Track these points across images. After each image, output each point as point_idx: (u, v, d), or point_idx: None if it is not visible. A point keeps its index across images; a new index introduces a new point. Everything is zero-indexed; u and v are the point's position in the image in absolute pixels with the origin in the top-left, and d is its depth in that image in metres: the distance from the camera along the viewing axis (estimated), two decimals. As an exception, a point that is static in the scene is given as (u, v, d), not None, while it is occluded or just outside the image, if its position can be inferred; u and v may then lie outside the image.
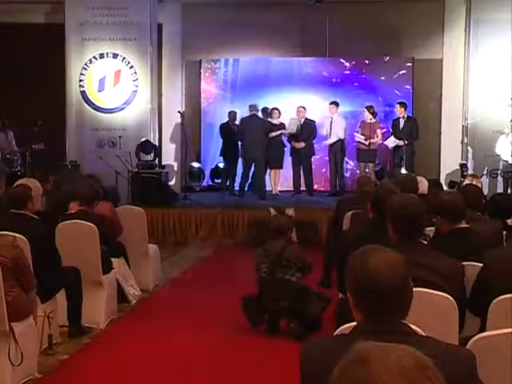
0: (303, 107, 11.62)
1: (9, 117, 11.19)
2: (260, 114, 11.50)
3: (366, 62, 12.45)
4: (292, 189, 11.75)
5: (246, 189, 11.34)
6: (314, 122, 11.68)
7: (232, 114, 11.77)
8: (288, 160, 11.73)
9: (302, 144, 11.33)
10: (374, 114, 11.42)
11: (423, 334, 2.15)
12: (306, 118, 11.51)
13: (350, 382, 1.22)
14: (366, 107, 11.55)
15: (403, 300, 2.00)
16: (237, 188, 11.44)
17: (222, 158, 12.04)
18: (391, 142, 11.27)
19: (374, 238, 4.00)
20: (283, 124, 11.55)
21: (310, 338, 2.20)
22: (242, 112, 11.87)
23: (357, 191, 6.71)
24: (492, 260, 3.40)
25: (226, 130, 11.65)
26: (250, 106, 11.41)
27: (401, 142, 11.14)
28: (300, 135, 11.35)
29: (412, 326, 2.00)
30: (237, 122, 11.72)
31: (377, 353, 1.24)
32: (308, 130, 11.41)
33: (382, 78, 12.39)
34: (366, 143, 11.20)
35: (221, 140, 11.85)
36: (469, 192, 4.99)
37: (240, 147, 11.44)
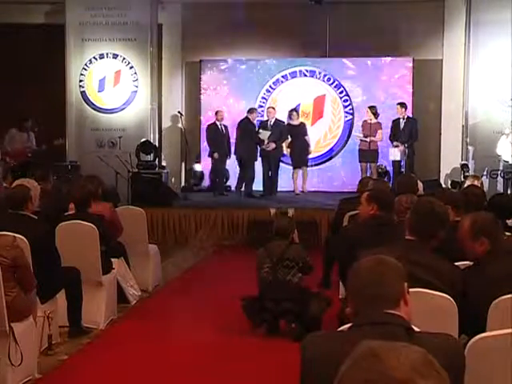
0: (273, 108, 11.73)
1: (29, 118, 11.20)
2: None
3: (366, 62, 12.46)
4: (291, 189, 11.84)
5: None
6: (283, 122, 11.72)
7: (219, 113, 11.78)
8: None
9: (273, 145, 11.33)
10: (375, 115, 11.41)
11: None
12: (276, 119, 11.54)
13: (362, 373, 1.25)
14: (369, 107, 11.56)
15: (387, 292, 2.04)
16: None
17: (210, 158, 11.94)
18: (392, 155, 11.24)
19: (377, 236, 4.01)
20: (261, 121, 11.66)
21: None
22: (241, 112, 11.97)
23: (359, 192, 6.70)
24: (471, 283, 3.31)
25: (214, 130, 11.68)
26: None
27: (401, 146, 11.10)
28: (271, 136, 11.36)
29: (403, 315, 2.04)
30: (224, 122, 11.81)
31: (387, 349, 1.29)
32: (278, 130, 11.43)
33: (382, 78, 12.40)
34: (367, 140, 11.19)
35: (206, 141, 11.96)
36: (472, 194, 4.98)
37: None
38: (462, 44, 11.75)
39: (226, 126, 11.81)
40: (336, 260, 5.81)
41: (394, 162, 11.32)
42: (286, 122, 11.73)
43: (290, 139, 11.59)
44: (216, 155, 11.57)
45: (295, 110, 11.77)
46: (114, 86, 12.01)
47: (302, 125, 11.67)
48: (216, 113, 11.87)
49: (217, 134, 11.66)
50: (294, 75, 12.60)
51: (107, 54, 11.96)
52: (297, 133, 11.54)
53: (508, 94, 11.12)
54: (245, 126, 11.51)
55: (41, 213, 5.62)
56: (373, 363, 1.25)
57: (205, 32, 12.44)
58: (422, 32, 12.16)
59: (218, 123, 11.73)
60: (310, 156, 11.90)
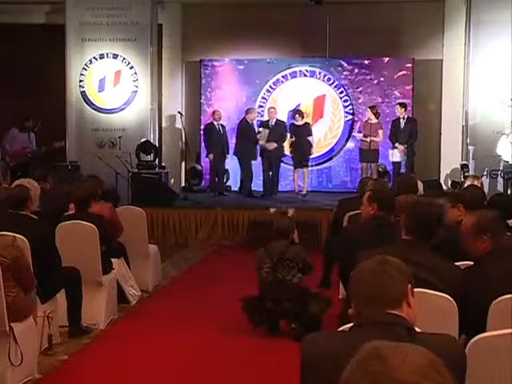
0: (274, 108, 11.77)
1: (30, 118, 11.23)
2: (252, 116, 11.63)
3: (366, 62, 12.46)
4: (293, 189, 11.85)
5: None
6: (285, 122, 11.73)
7: (216, 113, 11.79)
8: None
9: (274, 145, 11.35)
10: (376, 115, 11.39)
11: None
12: (276, 119, 11.55)
13: (367, 375, 1.25)
14: (369, 107, 11.55)
15: (388, 292, 2.03)
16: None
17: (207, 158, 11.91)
18: (392, 156, 11.25)
19: (377, 236, 4.01)
20: (261, 121, 11.74)
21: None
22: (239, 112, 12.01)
23: (359, 192, 6.71)
24: (471, 283, 3.30)
25: (210, 130, 11.68)
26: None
27: (401, 147, 11.10)
28: (271, 136, 11.37)
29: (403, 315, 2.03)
30: (222, 122, 11.81)
31: (391, 350, 1.29)
32: (279, 130, 11.44)
33: (382, 78, 12.40)
34: (368, 140, 11.19)
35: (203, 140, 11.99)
36: (472, 194, 4.99)
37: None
38: (462, 44, 11.75)
39: (223, 126, 11.80)
40: (336, 260, 5.81)
41: (394, 163, 11.31)
42: (288, 123, 11.74)
43: (293, 138, 11.58)
44: (211, 156, 11.58)
45: (298, 111, 11.72)
46: (114, 86, 12.01)
47: (307, 125, 11.64)
48: (213, 112, 11.88)
49: (213, 134, 11.65)
50: (294, 75, 12.61)
51: (107, 54, 11.96)
52: (300, 133, 11.52)
53: (508, 94, 11.12)
54: (242, 126, 11.53)
55: (41, 213, 5.62)
56: (378, 365, 1.25)
57: (205, 32, 12.44)
58: (422, 32, 12.15)
59: (215, 123, 11.72)
60: (311, 156, 11.89)
